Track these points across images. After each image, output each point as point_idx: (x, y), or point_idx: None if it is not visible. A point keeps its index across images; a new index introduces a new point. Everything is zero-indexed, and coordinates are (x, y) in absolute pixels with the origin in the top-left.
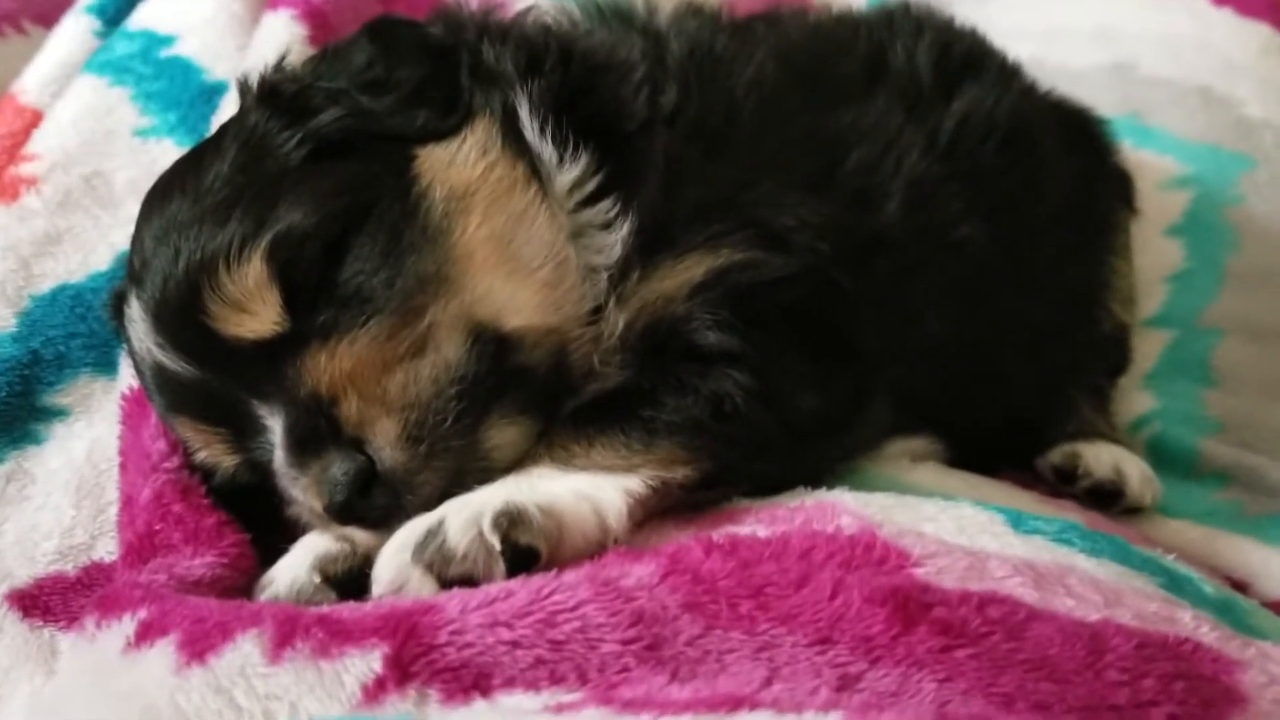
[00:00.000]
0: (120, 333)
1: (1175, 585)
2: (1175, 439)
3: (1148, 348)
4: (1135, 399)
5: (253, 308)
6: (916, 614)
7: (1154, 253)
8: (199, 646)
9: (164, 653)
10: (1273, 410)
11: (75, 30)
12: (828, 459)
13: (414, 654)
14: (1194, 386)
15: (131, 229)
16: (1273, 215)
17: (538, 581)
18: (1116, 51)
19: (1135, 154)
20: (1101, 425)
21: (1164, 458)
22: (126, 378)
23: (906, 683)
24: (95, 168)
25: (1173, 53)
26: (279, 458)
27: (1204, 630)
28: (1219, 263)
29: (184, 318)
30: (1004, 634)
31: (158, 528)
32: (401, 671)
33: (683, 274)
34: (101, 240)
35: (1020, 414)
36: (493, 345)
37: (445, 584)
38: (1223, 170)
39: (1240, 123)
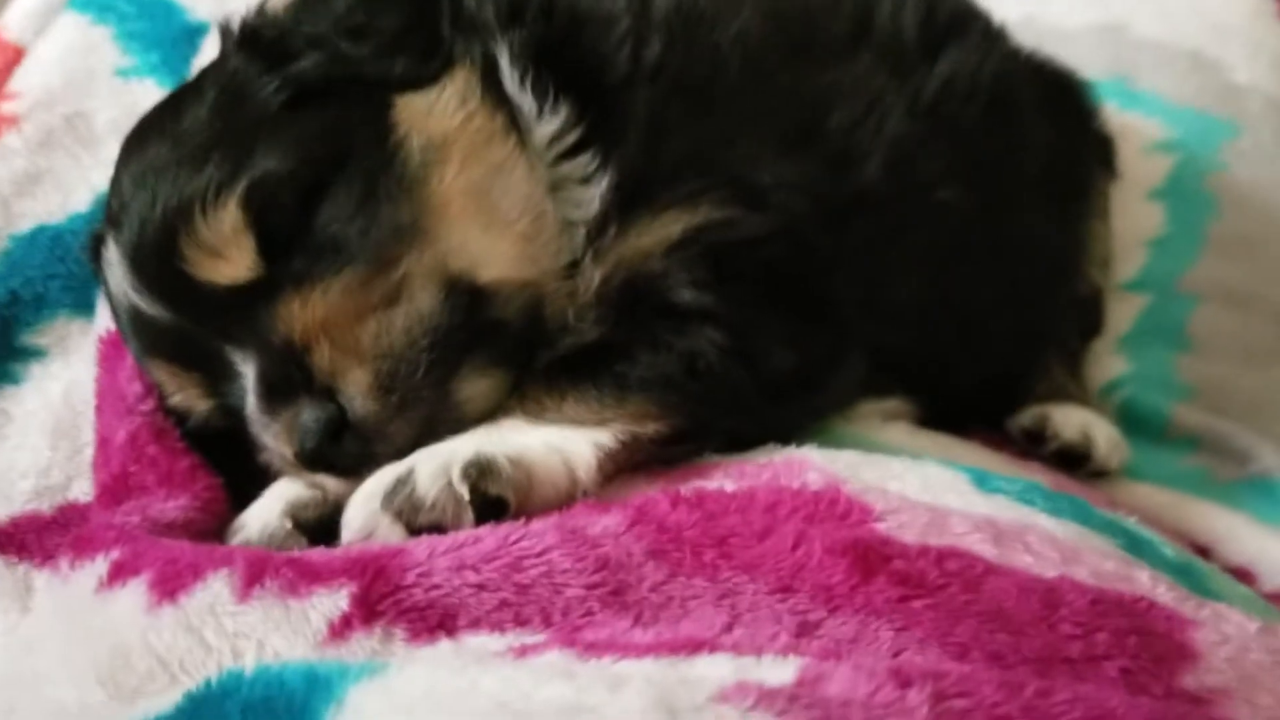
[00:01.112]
0: (98, 275)
1: (1135, 546)
2: (1146, 403)
3: (1124, 311)
4: (1109, 362)
5: (227, 253)
6: (876, 565)
7: (1135, 216)
8: (170, 586)
9: (136, 592)
10: (1246, 377)
11: None
12: (800, 417)
13: (381, 593)
14: (1168, 351)
15: (111, 170)
16: (1255, 182)
17: (505, 529)
18: (1108, 12)
19: (1122, 116)
20: (1072, 388)
21: (1134, 421)
22: (104, 320)
23: (864, 631)
24: (76, 107)
25: (1164, 14)
26: (251, 404)
27: (1160, 590)
28: (1199, 228)
29: (160, 262)
30: (961, 586)
31: (132, 469)
32: (368, 610)
33: (660, 231)
34: (81, 181)
35: (993, 375)
36: (467, 297)
37: (414, 531)
38: (1208, 136)
39: (1228, 88)
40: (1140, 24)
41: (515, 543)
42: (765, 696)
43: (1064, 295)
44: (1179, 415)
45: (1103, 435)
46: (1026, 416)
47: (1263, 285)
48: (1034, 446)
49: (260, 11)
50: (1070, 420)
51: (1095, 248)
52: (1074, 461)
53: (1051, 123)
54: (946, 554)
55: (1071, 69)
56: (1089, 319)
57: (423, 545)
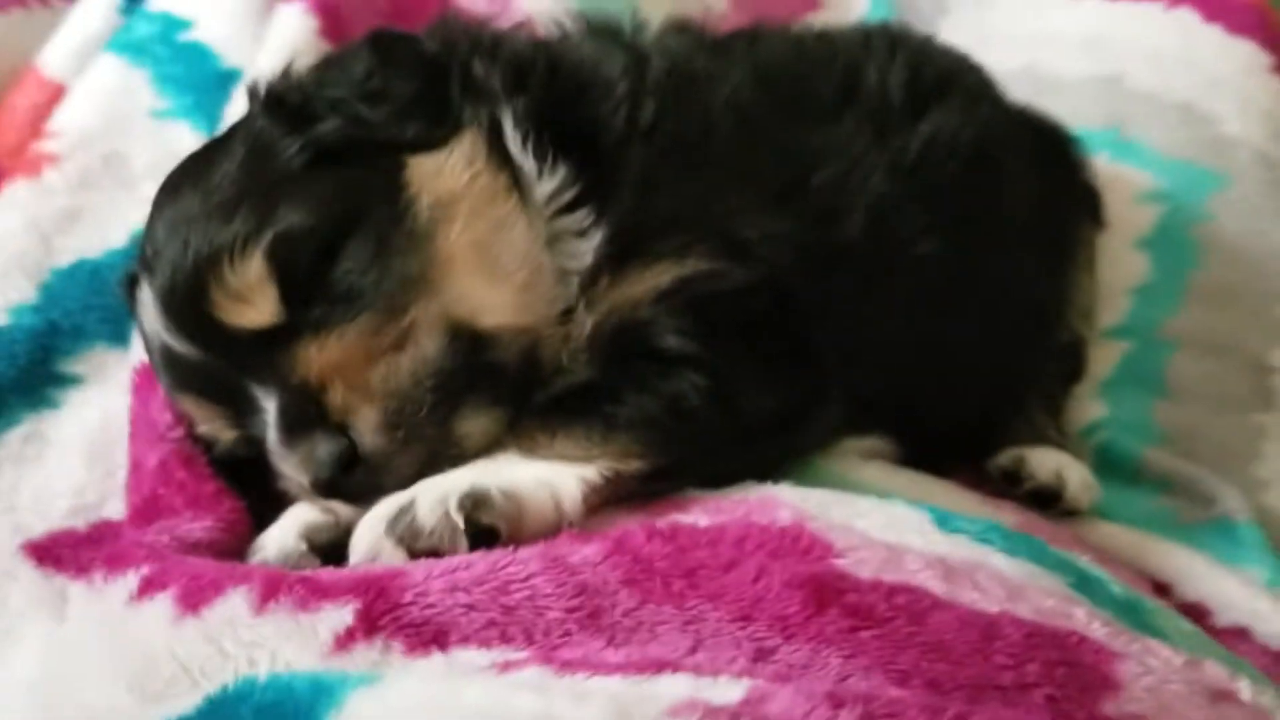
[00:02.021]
0: (132, 311)
1: (1084, 585)
2: (1121, 446)
3: (1106, 357)
4: (1088, 406)
5: (252, 300)
6: (829, 598)
7: (1122, 264)
8: (194, 599)
9: (163, 604)
10: (1215, 424)
11: (98, 6)
12: (778, 457)
13: (382, 610)
14: (1146, 396)
15: (146, 209)
16: (1240, 233)
17: (495, 555)
18: (1105, 63)
19: (1114, 167)
20: (1051, 431)
21: (1109, 464)
22: (138, 352)
23: (815, 658)
24: (114, 148)
25: (1158, 67)
26: (271, 437)
27: (1095, 625)
28: (1182, 277)
29: (190, 305)
30: (907, 619)
31: (162, 492)
32: (370, 624)
33: (650, 281)
34: (118, 219)
35: (972, 418)
36: (468, 342)
37: (414, 555)
38: (1195, 187)
39: (1218, 140)
40: (1135, 76)
41: (503, 568)
42: (710, 713)
43: (1045, 344)
44: (1151, 459)
45: (1075, 477)
46: (1004, 458)
47: (1240, 334)
48: (1010, 486)
49: (285, 75)
50: (1045, 463)
51: (1079, 298)
52: (1047, 501)
53: (1039, 175)
54: (898, 589)
55: (1061, 122)
56: (1071, 366)
57: (420, 568)
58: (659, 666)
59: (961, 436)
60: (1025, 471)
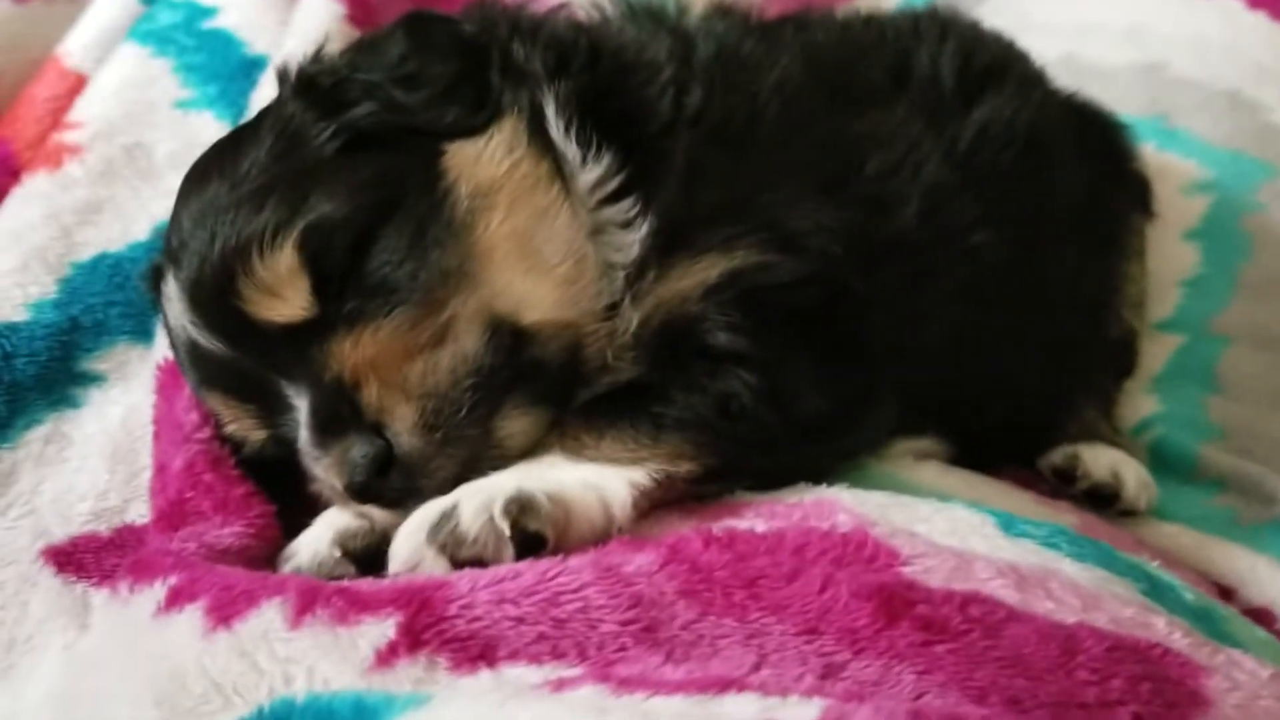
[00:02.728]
0: (157, 305)
1: (1156, 591)
2: (1176, 443)
3: (1157, 351)
4: (1140, 402)
5: (283, 293)
6: (900, 610)
7: (1171, 256)
8: (225, 612)
9: (192, 617)
10: (1273, 420)
11: None
12: (831, 458)
13: (425, 624)
14: (1199, 392)
15: (170, 201)
16: None
17: (544, 564)
18: (1147, 51)
19: (1160, 156)
20: (1103, 428)
21: (1164, 461)
22: (162, 348)
23: (887, 674)
24: (136, 138)
25: (1203, 55)
26: (303, 438)
27: (1176, 636)
28: (1233, 269)
29: (218, 299)
30: (982, 632)
31: (189, 495)
32: (413, 639)
33: (698, 274)
34: (141, 211)
35: (1025, 415)
36: (510, 338)
37: (457, 565)
38: (1244, 177)
39: (1266, 129)
40: (1179, 64)
41: (553, 578)
42: None
43: (1097, 336)
44: (1207, 456)
45: (1132, 475)
46: (1057, 455)
47: None
48: (1064, 485)
49: (316, 58)
50: (1100, 460)
51: (1129, 289)
52: (1103, 501)
53: (1088, 165)
54: (970, 599)
55: (1110, 110)
56: (1122, 360)
57: (465, 578)
58: (723, 685)
59: (1012, 435)
60: (1080, 470)
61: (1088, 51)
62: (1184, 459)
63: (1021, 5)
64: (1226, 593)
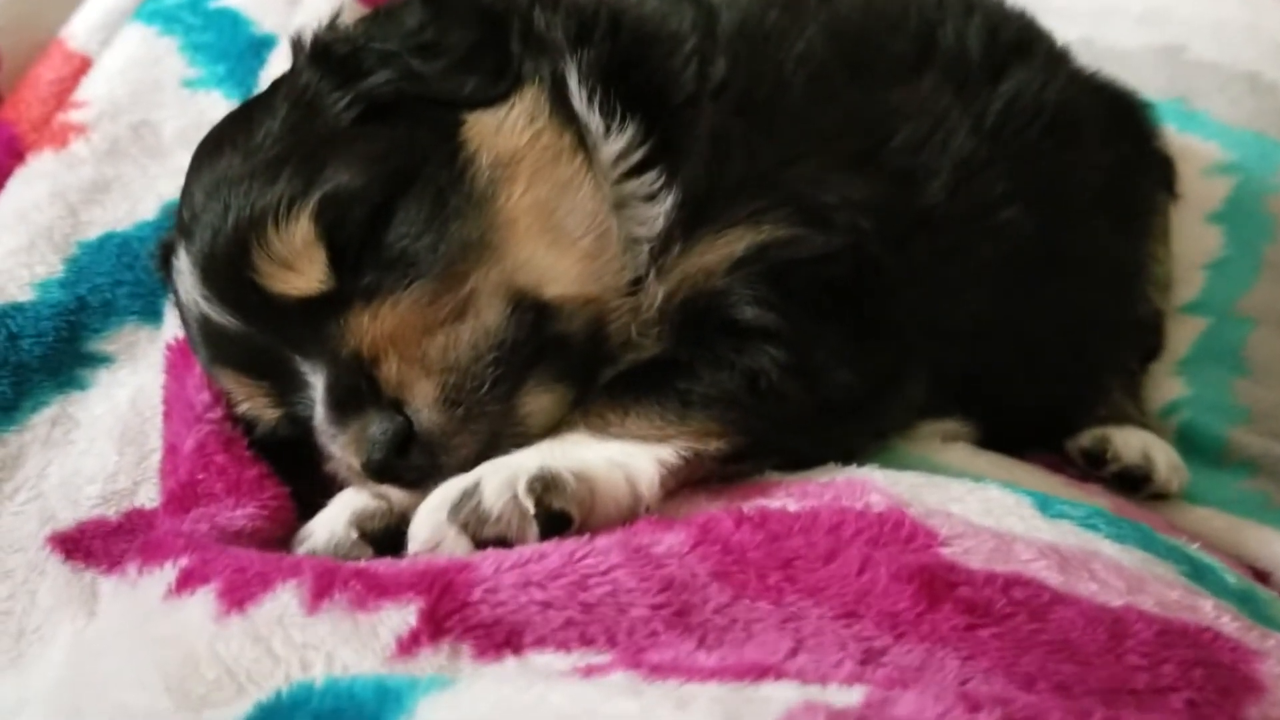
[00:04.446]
0: (167, 283)
1: (1198, 574)
2: (1204, 426)
3: (1183, 333)
4: (1167, 385)
5: (299, 266)
6: (942, 592)
7: (1194, 239)
8: (239, 595)
9: (204, 600)
10: None
11: None
12: (860, 436)
13: (448, 609)
14: (1225, 374)
15: (179, 180)
16: None
17: (570, 545)
18: (1166, 33)
19: (1180, 138)
20: (1131, 410)
21: (1193, 445)
22: (171, 327)
23: (930, 659)
24: (143, 117)
25: (1222, 37)
26: (319, 414)
27: (1225, 620)
28: (1257, 251)
29: (231, 272)
30: (1027, 615)
31: (200, 477)
32: (436, 626)
33: (724, 248)
34: (149, 190)
35: (1052, 397)
36: (532, 313)
37: (479, 544)
38: (1266, 159)
39: None
40: (1198, 46)
41: (580, 560)
42: (834, 717)
43: (1124, 317)
44: (1236, 439)
45: (1163, 458)
46: (1086, 438)
47: None
48: (1093, 468)
49: (332, 26)
50: (1131, 442)
51: (1155, 269)
52: (1134, 484)
53: (1112, 144)
54: (1012, 581)
55: (1132, 90)
56: (1149, 341)
57: (489, 561)
58: (760, 671)
59: (1039, 416)
60: (1110, 452)
61: (1106, 34)
62: (1213, 442)
63: None
64: (1261, 576)
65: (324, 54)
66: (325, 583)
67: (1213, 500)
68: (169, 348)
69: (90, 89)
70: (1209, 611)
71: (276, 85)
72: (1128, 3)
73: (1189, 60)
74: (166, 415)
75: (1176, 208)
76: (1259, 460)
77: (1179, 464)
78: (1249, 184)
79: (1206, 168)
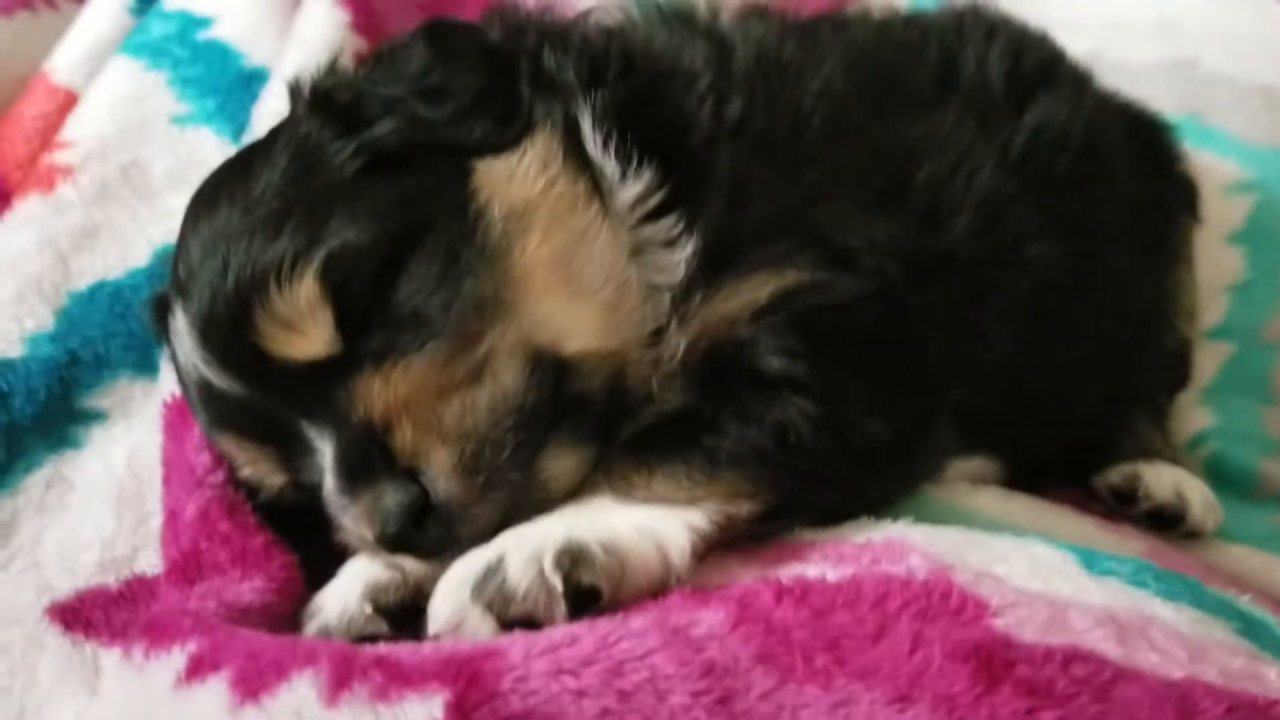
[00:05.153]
0: (162, 338)
1: (1251, 630)
2: (1234, 458)
3: (1207, 361)
4: (1193, 415)
5: (304, 328)
6: (1000, 672)
7: (1215, 261)
8: (253, 685)
9: (217, 690)
10: None
11: (108, 7)
12: (894, 488)
13: (476, 700)
14: (1253, 403)
15: (169, 223)
16: None
17: (604, 627)
18: (1177, 48)
19: (1196, 155)
20: (1159, 444)
21: (1222, 477)
22: (168, 384)
23: None
24: (132, 157)
25: (1235, 51)
26: (329, 484)
27: None
28: None
29: (232, 335)
30: (1090, 695)
31: (204, 546)
32: (463, 718)
33: (747, 295)
34: (139, 235)
35: (1079, 432)
36: (552, 372)
37: (504, 624)
38: None
39: None
40: (1210, 60)
41: (615, 644)
42: None
43: (1153, 348)
44: (1267, 470)
45: (1197, 496)
46: (1115, 475)
47: None
48: (1123, 506)
49: (331, 70)
50: (1162, 480)
51: (1182, 297)
52: (1166, 523)
53: (1136, 169)
54: (1071, 656)
55: (1154, 112)
56: (1176, 372)
57: (517, 646)
58: None
59: (1066, 453)
60: (1141, 490)
61: (1114, 48)
62: (1244, 475)
63: (1042, 3)
64: None
65: (325, 101)
66: (344, 671)
67: (1244, 536)
68: (166, 406)
69: (77, 128)
70: (1274, 680)
71: (275, 133)
72: (1137, 14)
73: (1202, 75)
74: (166, 479)
75: (1198, 230)
76: None
77: (1213, 502)
78: (1269, 202)
79: (1225, 186)
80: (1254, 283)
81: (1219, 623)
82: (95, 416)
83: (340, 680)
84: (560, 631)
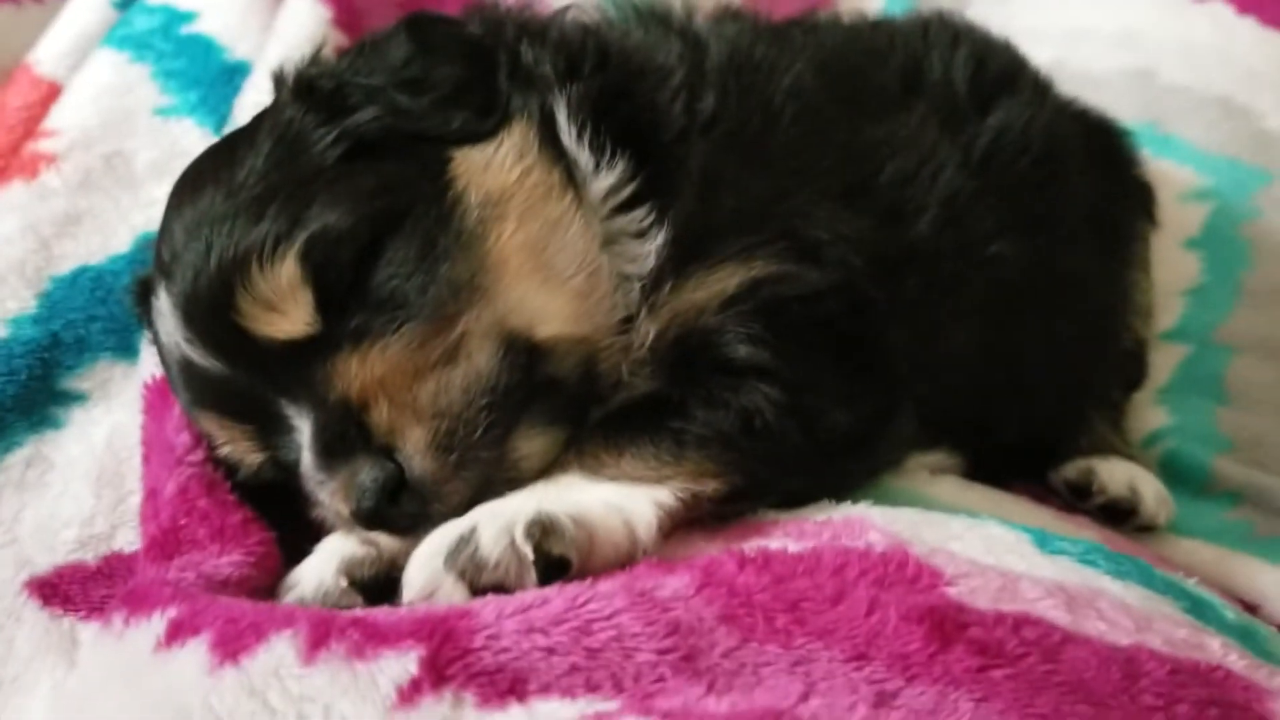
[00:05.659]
0: (143, 320)
1: (1197, 610)
2: (1188, 456)
3: (1163, 362)
4: (1149, 414)
5: (285, 308)
6: (953, 633)
7: (1172, 265)
8: (232, 647)
9: (196, 652)
10: None
11: (92, 1)
12: (856, 474)
13: (450, 657)
14: (1207, 403)
15: (151, 212)
16: None
17: (573, 590)
18: (1137, 57)
19: (1155, 163)
20: (1115, 440)
21: (1176, 474)
22: (149, 365)
23: (943, 701)
24: (115, 147)
25: (1194, 61)
26: (307, 461)
27: (1233, 658)
28: (1234, 278)
29: (214, 314)
30: (1040, 655)
31: (183, 522)
32: (437, 674)
33: (715, 285)
34: (122, 222)
35: (1036, 427)
36: (524, 355)
37: (477, 591)
38: (1240, 184)
39: (1260, 135)
40: (1169, 70)
41: (584, 605)
42: None
43: (1108, 346)
44: (1220, 468)
45: (1150, 490)
46: (1071, 469)
47: None
48: (1078, 500)
49: (315, 60)
50: (1116, 474)
51: (1138, 298)
52: (1120, 516)
53: (1094, 172)
54: (1022, 621)
55: (1112, 118)
56: (1131, 371)
57: (490, 607)
58: (771, 717)
59: (1024, 448)
60: (1096, 484)
61: (1077, 57)
62: (1197, 472)
63: (1008, 9)
64: (1250, 608)
65: (308, 89)
66: (321, 632)
67: (1197, 531)
68: (146, 387)
69: (61, 117)
70: (1217, 650)
71: (259, 120)
72: (1099, 24)
73: (1161, 84)
74: (145, 458)
75: (1155, 235)
76: (1243, 490)
77: (1166, 496)
78: (1225, 210)
79: (1183, 193)
80: (1209, 286)
81: (1167, 600)
82: (76, 398)
83: (318, 640)
84: (531, 594)
